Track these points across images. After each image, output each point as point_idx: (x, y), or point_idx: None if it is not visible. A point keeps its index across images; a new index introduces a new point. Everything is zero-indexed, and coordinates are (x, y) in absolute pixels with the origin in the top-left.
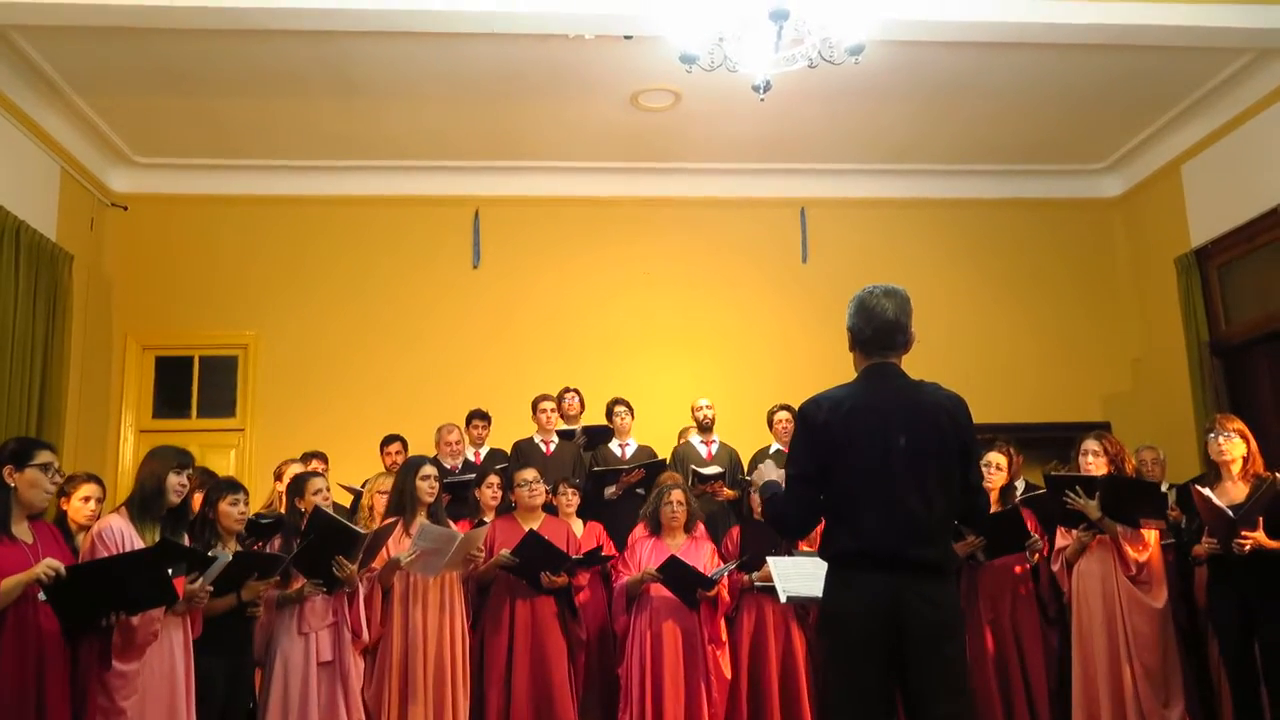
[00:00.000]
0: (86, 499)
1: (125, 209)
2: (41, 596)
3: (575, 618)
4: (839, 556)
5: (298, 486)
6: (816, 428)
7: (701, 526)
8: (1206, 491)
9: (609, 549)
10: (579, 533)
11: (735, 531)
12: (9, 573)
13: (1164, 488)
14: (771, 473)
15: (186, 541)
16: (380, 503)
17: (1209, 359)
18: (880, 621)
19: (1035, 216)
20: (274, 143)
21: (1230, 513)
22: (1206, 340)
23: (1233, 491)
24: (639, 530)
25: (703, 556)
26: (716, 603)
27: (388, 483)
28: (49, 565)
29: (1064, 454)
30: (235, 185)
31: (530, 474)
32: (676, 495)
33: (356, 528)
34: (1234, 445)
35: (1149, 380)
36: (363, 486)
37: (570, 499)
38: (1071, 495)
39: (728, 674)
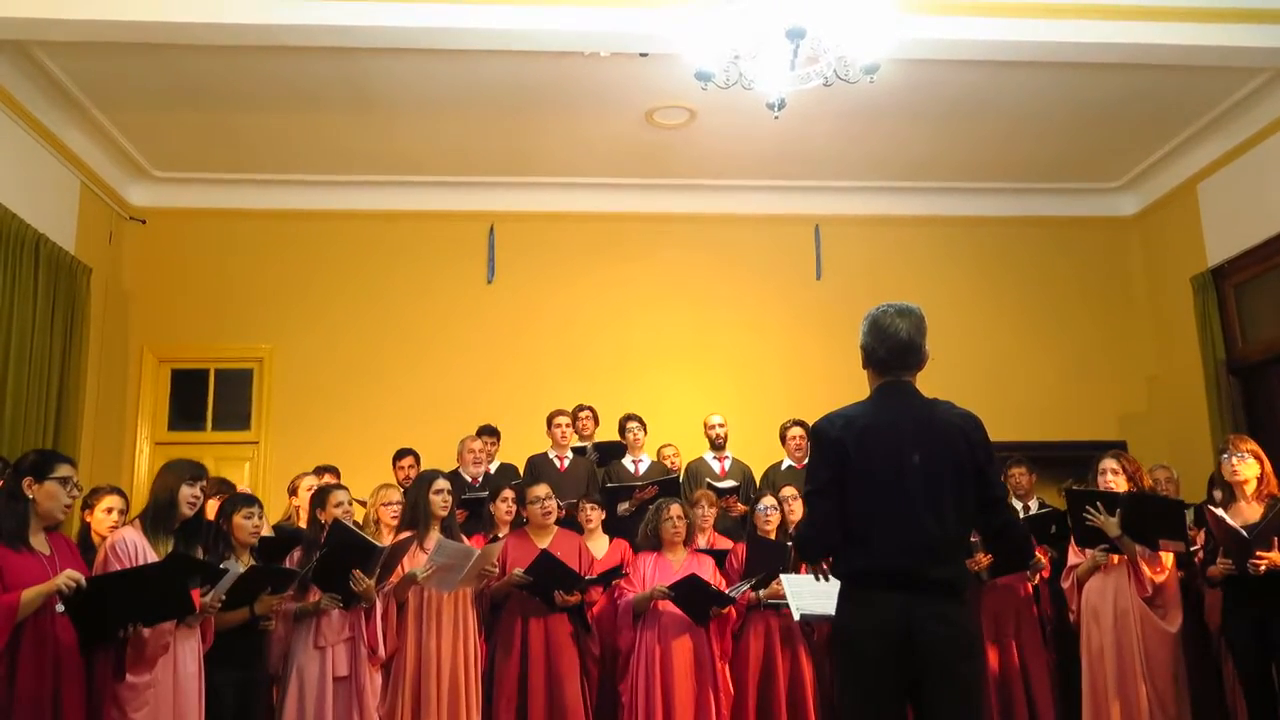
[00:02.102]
0: (109, 510)
1: (143, 223)
2: (60, 608)
3: (589, 632)
4: (852, 575)
5: (320, 499)
6: (830, 444)
7: (725, 540)
8: (1220, 512)
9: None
10: (604, 549)
11: (740, 548)
12: (27, 584)
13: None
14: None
15: (200, 554)
16: (385, 513)
17: (1225, 378)
18: (893, 641)
19: (1050, 235)
20: (291, 158)
21: (1245, 533)
22: (1223, 359)
23: (1246, 512)
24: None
25: (705, 571)
26: (725, 619)
27: (392, 494)
28: (70, 576)
29: (1079, 473)
30: (252, 200)
31: (542, 490)
32: (675, 510)
33: (375, 542)
34: (1247, 466)
35: (1165, 399)
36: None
37: (589, 515)
38: (1091, 511)
39: (732, 690)
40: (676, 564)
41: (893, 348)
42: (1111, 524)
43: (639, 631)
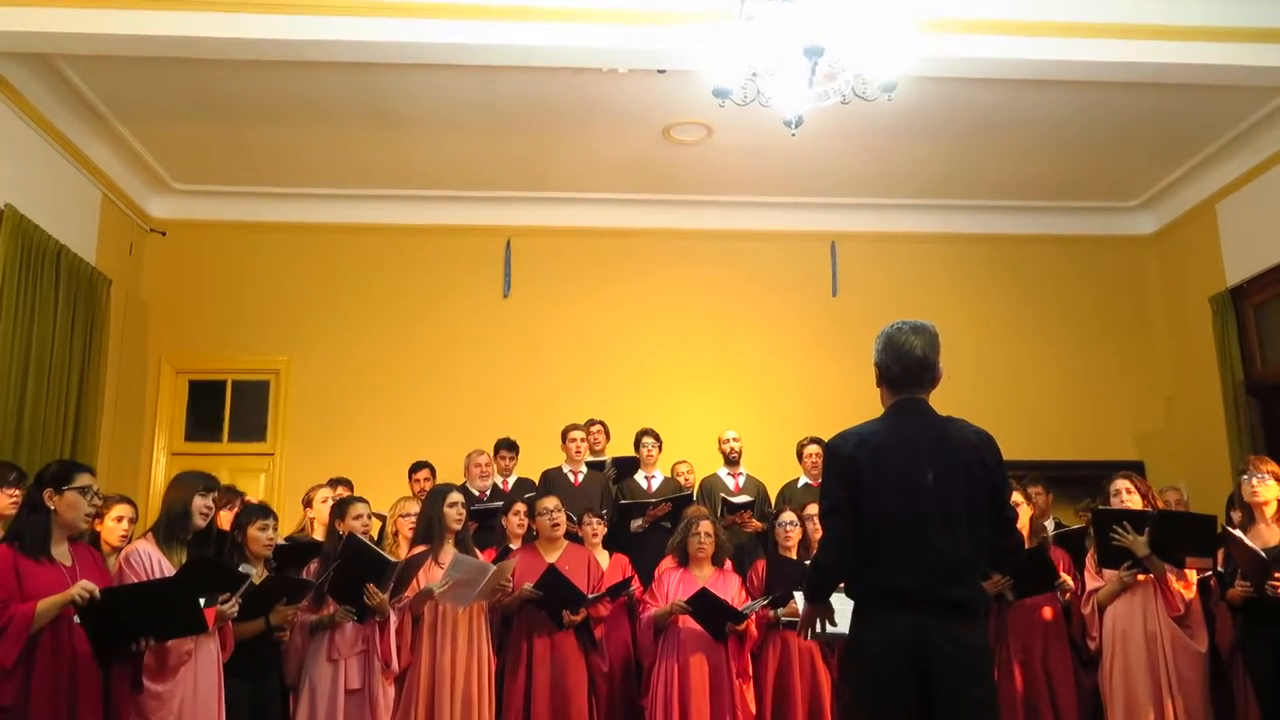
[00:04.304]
0: (119, 519)
1: (164, 234)
2: (76, 619)
3: (596, 648)
4: (865, 594)
5: (340, 510)
6: (843, 462)
7: (728, 559)
8: (1239, 534)
9: (634, 581)
10: (604, 564)
11: (761, 565)
12: (46, 594)
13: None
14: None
15: None
16: (405, 526)
17: (1244, 399)
18: (906, 661)
19: (1068, 253)
20: (310, 171)
21: (1264, 555)
22: (1241, 380)
23: (1266, 534)
24: (667, 562)
25: (730, 589)
26: (744, 637)
27: (410, 506)
28: (84, 587)
29: (1095, 492)
30: (271, 213)
31: (551, 503)
32: (705, 527)
33: (388, 556)
34: (1268, 488)
35: (1183, 419)
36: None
37: (595, 529)
38: (1119, 531)
39: (753, 709)
40: (702, 580)
41: (907, 365)
42: (1140, 543)
43: (659, 647)
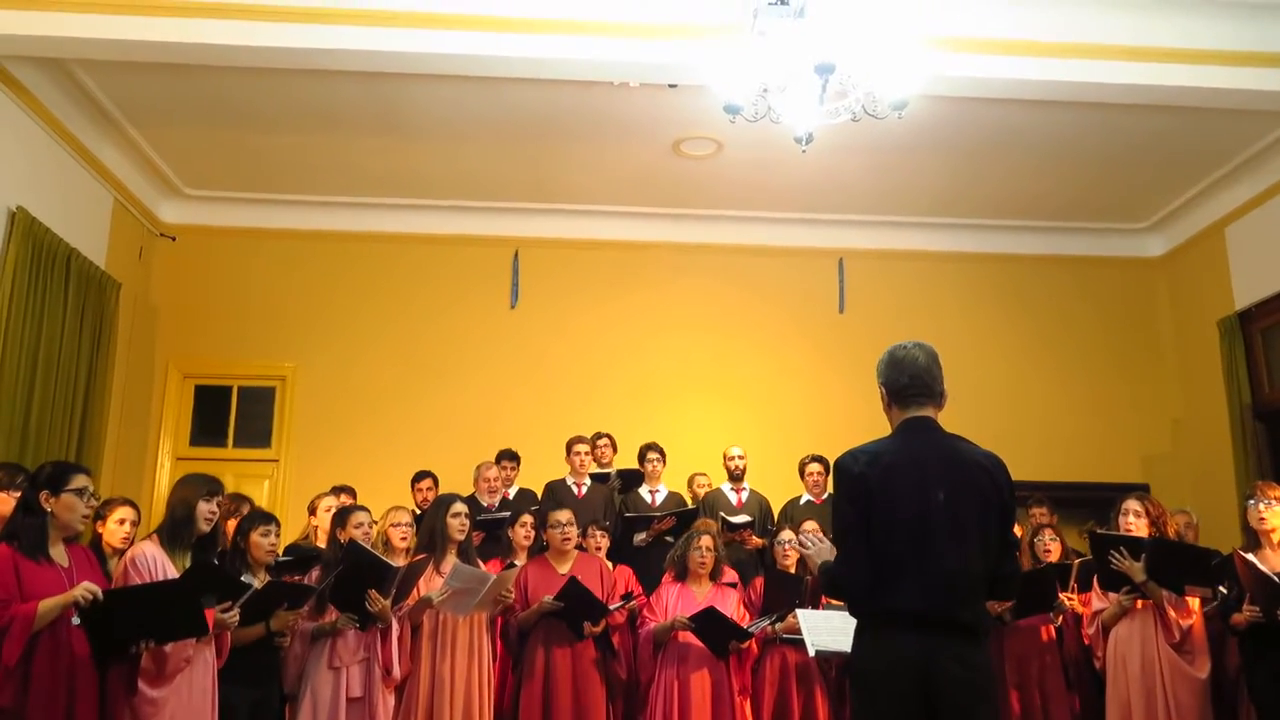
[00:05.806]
0: (122, 521)
1: (174, 239)
2: (75, 620)
3: (616, 656)
4: (871, 614)
5: (341, 519)
6: (853, 481)
7: (732, 573)
8: (1251, 557)
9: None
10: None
11: (759, 582)
12: (45, 595)
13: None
14: (829, 553)
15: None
16: (394, 534)
17: (1251, 423)
18: (911, 681)
19: (1076, 274)
20: (320, 178)
21: (1276, 580)
22: (1248, 404)
23: (1271, 560)
24: (664, 576)
25: (729, 604)
26: (745, 653)
27: (401, 515)
28: (87, 589)
29: (1101, 514)
30: (281, 219)
31: (564, 515)
32: (706, 541)
33: (391, 562)
34: (1275, 513)
35: (1189, 442)
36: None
37: (597, 541)
38: (1116, 556)
39: None
40: (700, 595)
41: (914, 375)
42: (1136, 569)
43: (659, 662)
